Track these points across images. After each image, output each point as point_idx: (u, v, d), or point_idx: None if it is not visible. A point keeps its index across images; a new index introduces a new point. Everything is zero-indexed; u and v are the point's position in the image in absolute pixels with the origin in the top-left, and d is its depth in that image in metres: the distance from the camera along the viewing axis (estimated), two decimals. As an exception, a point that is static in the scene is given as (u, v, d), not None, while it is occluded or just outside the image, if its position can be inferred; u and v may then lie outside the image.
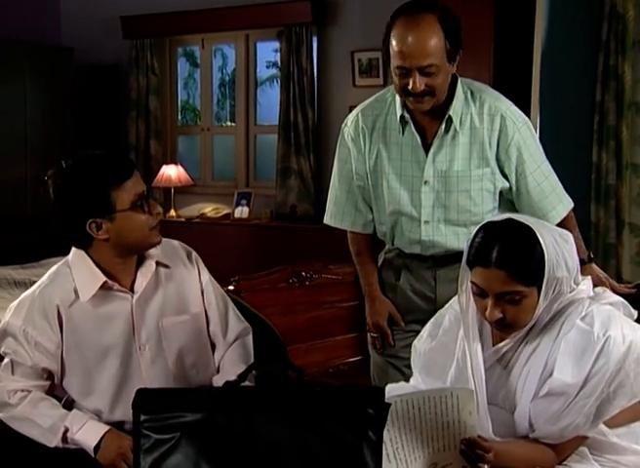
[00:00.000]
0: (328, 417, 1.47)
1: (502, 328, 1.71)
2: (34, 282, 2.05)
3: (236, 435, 1.48)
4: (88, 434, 1.89)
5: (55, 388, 1.99)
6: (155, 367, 1.98)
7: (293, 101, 5.38)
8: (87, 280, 1.93)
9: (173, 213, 5.82)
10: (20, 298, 1.98)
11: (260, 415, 1.49)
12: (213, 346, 2.09)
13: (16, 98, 5.67)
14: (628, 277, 4.08)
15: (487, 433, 1.66)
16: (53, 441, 1.90)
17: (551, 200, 2.23)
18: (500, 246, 1.64)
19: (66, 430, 1.89)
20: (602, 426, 1.70)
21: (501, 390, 1.75)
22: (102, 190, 1.86)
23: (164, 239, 2.01)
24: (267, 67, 7.18)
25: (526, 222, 1.68)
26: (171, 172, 5.79)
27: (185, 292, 2.04)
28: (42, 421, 1.90)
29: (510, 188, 2.22)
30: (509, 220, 1.69)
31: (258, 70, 6.04)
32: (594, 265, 2.31)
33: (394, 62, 2.06)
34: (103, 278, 1.92)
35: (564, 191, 2.27)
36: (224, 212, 5.79)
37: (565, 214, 2.25)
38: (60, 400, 1.98)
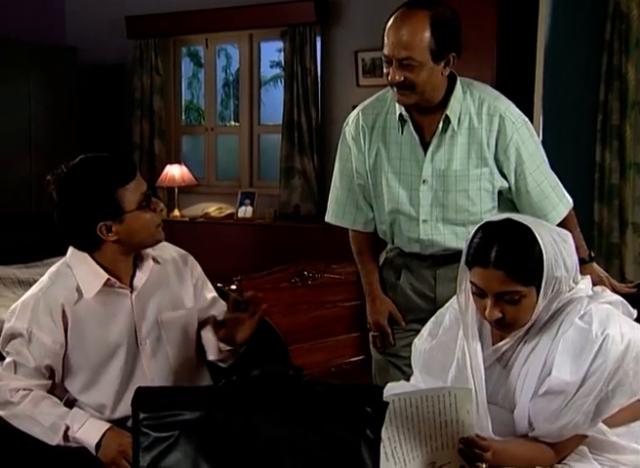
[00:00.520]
0: (326, 416, 1.47)
1: (502, 327, 1.71)
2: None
3: (235, 433, 1.48)
4: (89, 432, 1.91)
5: (55, 387, 2.00)
6: (156, 361, 2.01)
7: (296, 101, 5.38)
8: (89, 278, 1.95)
9: (176, 212, 5.84)
10: (21, 300, 1.99)
11: (259, 414, 1.49)
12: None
13: (20, 98, 5.68)
14: (632, 277, 4.07)
15: (487, 432, 1.66)
16: (54, 439, 1.91)
17: (551, 200, 2.23)
18: (499, 246, 1.64)
19: (67, 428, 1.91)
20: (601, 425, 1.70)
21: (501, 389, 1.75)
22: (110, 193, 1.87)
23: None
24: (271, 67, 7.18)
25: (524, 222, 1.68)
26: (175, 171, 5.80)
27: (179, 287, 2.07)
28: (43, 420, 1.92)
29: (510, 188, 2.22)
30: (508, 220, 1.69)
31: (261, 70, 6.04)
32: (595, 265, 2.31)
33: (383, 51, 2.11)
34: (106, 275, 1.94)
35: (564, 191, 2.27)
36: (228, 211, 5.79)
37: (565, 214, 2.25)
38: (60, 399, 1.99)
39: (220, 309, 2.13)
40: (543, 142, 2.28)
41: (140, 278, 2.00)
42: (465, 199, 2.20)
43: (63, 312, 1.94)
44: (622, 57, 4.12)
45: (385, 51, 2.10)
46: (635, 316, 1.77)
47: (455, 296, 1.83)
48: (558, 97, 4.15)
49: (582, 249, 2.25)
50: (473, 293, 1.72)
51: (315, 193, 5.41)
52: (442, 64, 2.10)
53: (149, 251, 2.02)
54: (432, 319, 1.92)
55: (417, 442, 1.58)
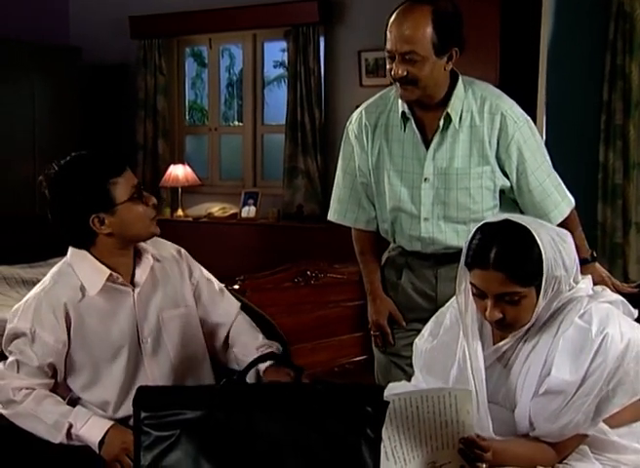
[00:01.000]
0: (326, 415, 1.47)
1: (503, 327, 1.72)
2: (42, 281, 2.07)
3: (236, 432, 1.49)
4: (92, 430, 1.91)
5: (58, 386, 2.00)
6: (158, 359, 2.02)
7: (300, 101, 5.39)
8: (92, 275, 1.96)
9: (180, 212, 5.84)
10: (24, 300, 1.99)
11: (260, 413, 1.49)
12: (206, 336, 2.14)
13: (24, 98, 5.70)
14: (635, 277, 4.07)
15: (488, 432, 1.67)
16: (57, 437, 1.92)
17: (553, 199, 2.22)
18: (498, 248, 1.64)
19: (70, 426, 1.91)
20: (603, 425, 1.70)
21: (502, 389, 1.75)
22: (101, 185, 1.90)
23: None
24: (275, 67, 7.18)
25: (523, 223, 1.68)
26: (178, 171, 5.81)
27: (179, 284, 2.08)
28: (46, 418, 1.92)
29: (512, 187, 2.22)
30: (506, 221, 1.69)
31: (265, 70, 6.05)
32: (597, 265, 2.31)
33: (386, 46, 2.12)
34: (108, 271, 1.96)
35: (566, 190, 2.27)
36: (232, 211, 5.80)
37: (567, 213, 2.24)
38: (63, 399, 2.00)
39: (227, 307, 2.16)
40: (546, 142, 2.28)
41: (141, 275, 2.01)
42: (467, 197, 2.20)
43: (66, 311, 1.95)
44: (626, 56, 4.12)
45: (388, 46, 2.10)
46: (636, 316, 1.77)
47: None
48: (561, 97, 4.15)
49: (584, 249, 2.24)
50: (473, 294, 1.72)
51: (319, 193, 5.41)
52: (444, 59, 2.11)
53: (148, 248, 2.03)
54: (433, 318, 1.92)
55: (417, 441, 1.59)
